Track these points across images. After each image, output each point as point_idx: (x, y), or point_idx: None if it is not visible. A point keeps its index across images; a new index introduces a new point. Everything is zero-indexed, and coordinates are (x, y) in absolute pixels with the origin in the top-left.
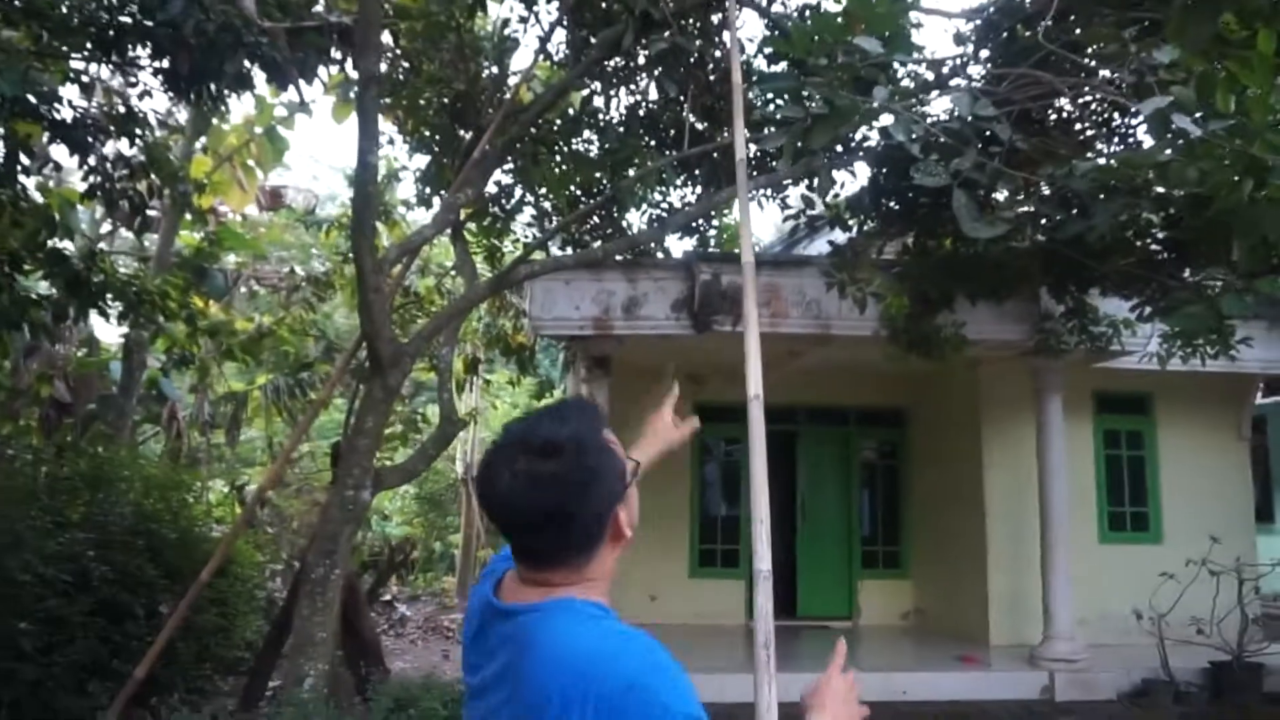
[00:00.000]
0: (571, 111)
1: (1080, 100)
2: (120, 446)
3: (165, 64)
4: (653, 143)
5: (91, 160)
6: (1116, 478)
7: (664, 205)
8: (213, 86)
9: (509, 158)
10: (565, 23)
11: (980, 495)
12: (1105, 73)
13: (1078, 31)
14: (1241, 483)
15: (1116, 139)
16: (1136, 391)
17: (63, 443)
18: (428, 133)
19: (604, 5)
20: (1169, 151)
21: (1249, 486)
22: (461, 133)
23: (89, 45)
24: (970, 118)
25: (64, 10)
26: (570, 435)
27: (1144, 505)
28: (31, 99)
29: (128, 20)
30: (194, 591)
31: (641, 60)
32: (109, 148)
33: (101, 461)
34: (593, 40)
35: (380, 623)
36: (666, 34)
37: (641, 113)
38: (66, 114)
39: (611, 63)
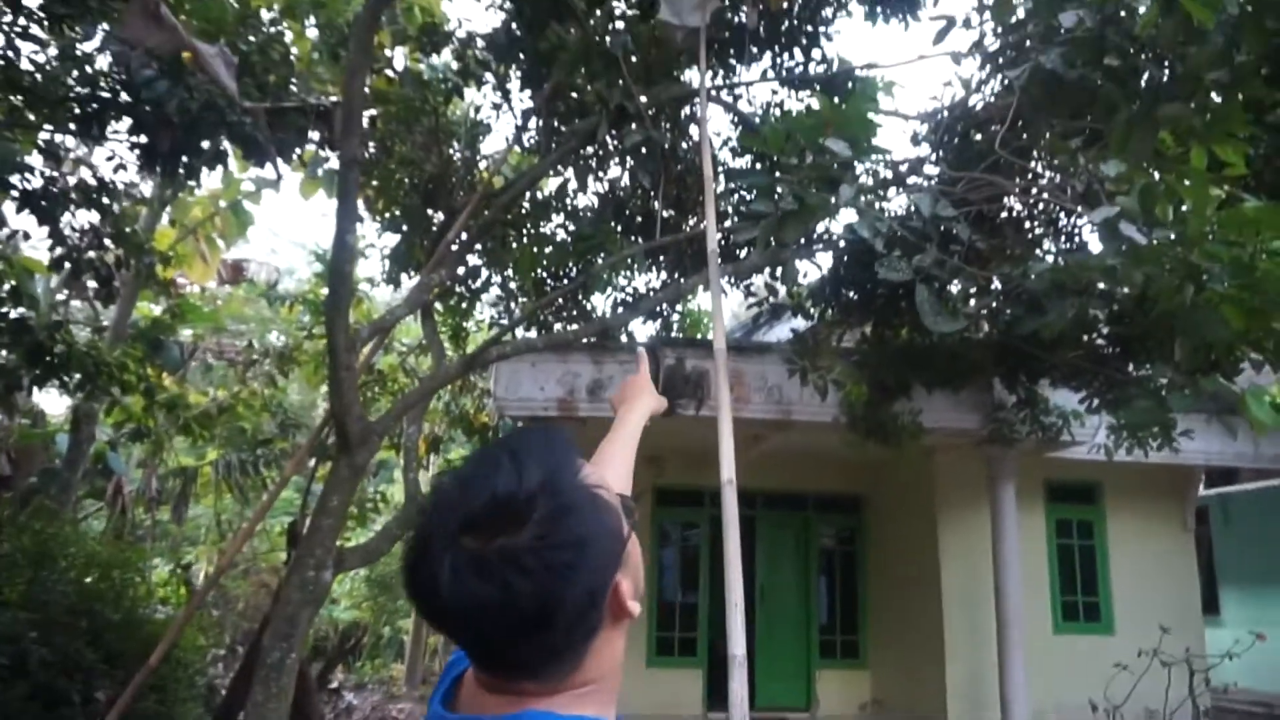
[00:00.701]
0: (541, 196)
1: (1030, 201)
2: (64, 522)
3: (144, 139)
4: (620, 229)
5: (60, 231)
6: (1069, 567)
7: (629, 290)
8: (189, 162)
9: (481, 240)
10: (539, 111)
11: (937, 583)
12: (1053, 176)
13: (1024, 137)
14: (1188, 573)
15: (1064, 238)
16: (1086, 481)
17: (2, 517)
18: (398, 212)
19: (577, 96)
20: (1117, 255)
21: (1195, 577)
22: (432, 214)
23: (69, 119)
24: (931, 216)
25: (43, 83)
26: (538, 487)
27: (1095, 595)
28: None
29: (109, 96)
30: (139, 678)
31: (612, 148)
32: (77, 218)
33: (45, 538)
34: (564, 129)
35: (326, 712)
36: (636, 126)
37: (611, 199)
38: (35, 183)
39: (584, 150)
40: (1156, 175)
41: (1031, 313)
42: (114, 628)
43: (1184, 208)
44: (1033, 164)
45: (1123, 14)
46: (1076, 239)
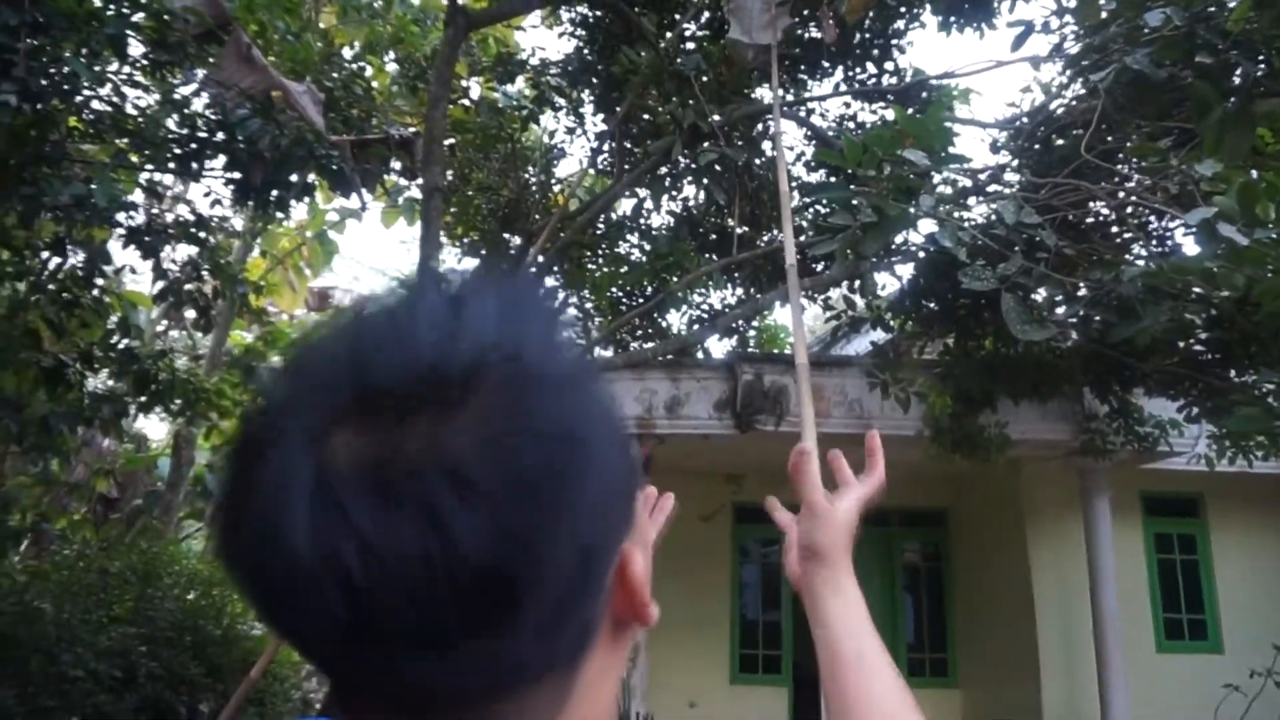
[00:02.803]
0: (616, 217)
1: (1118, 205)
2: (167, 542)
3: (237, 175)
4: (696, 247)
5: (162, 265)
6: (1170, 583)
7: (705, 307)
8: (279, 195)
9: (558, 262)
10: (613, 134)
11: (1029, 600)
12: (1142, 178)
13: (1110, 140)
14: None
15: (1155, 241)
16: (1186, 493)
17: (111, 538)
18: (477, 237)
19: (650, 117)
20: (1216, 257)
21: None
22: (509, 237)
23: (169, 159)
24: (1015, 224)
25: (146, 126)
26: (489, 343)
27: (1201, 612)
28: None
29: (206, 135)
30: (242, 692)
31: (686, 167)
32: (176, 252)
33: (151, 557)
34: (638, 150)
35: None
36: (709, 145)
37: (686, 218)
38: (138, 220)
39: (659, 170)
40: (1255, 173)
41: (1124, 319)
42: (215, 643)
43: None
44: (1120, 167)
45: (1212, 9)
46: (1169, 242)
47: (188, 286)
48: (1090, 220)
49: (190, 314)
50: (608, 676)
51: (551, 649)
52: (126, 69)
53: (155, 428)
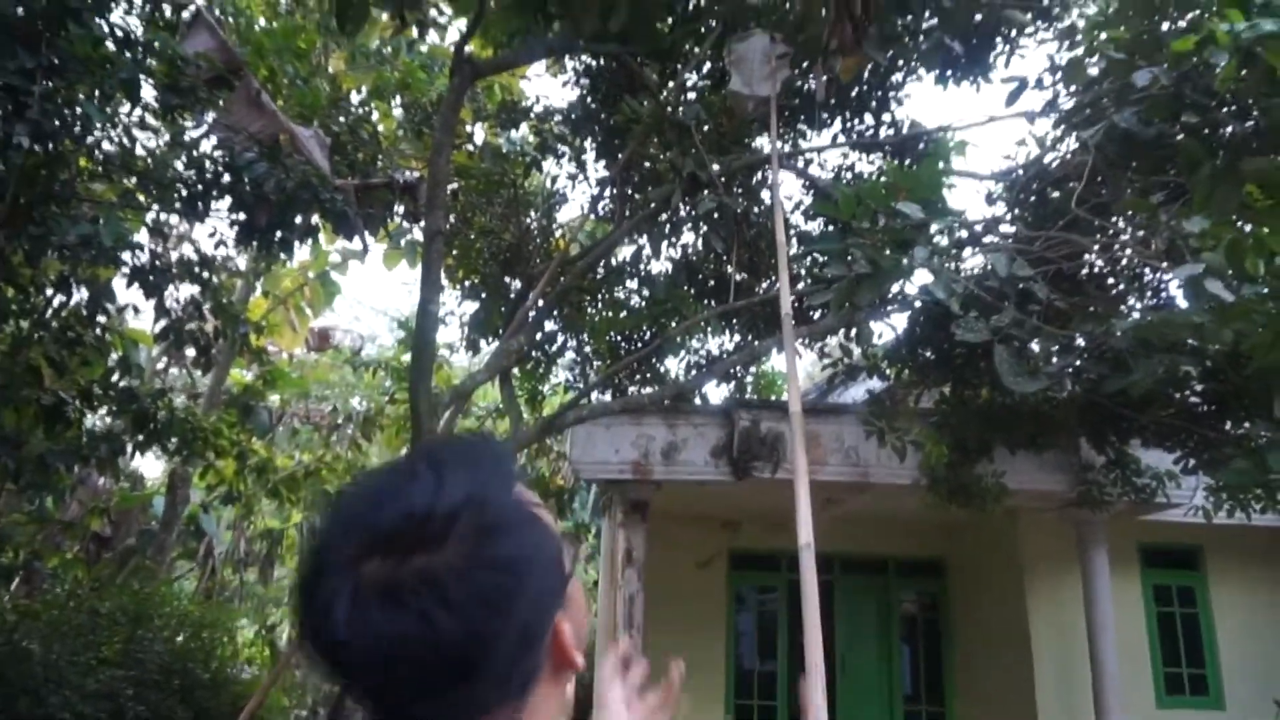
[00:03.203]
0: (615, 262)
1: (1111, 258)
2: (159, 583)
3: (243, 216)
4: (694, 293)
5: (164, 304)
6: (1170, 636)
7: (703, 353)
8: (283, 237)
9: (557, 307)
10: (614, 181)
11: (1027, 651)
12: (1133, 232)
13: (1103, 193)
14: None
15: (1149, 294)
16: (1185, 544)
17: (103, 577)
18: (478, 281)
19: (651, 165)
20: (1204, 312)
21: None
22: (510, 281)
23: (176, 200)
24: (1008, 276)
25: (154, 167)
26: (462, 500)
27: (1201, 666)
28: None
29: (212, 177)
30: None
31: (686, 215)
32: (179, 291)
33: (143, 598)
34: (638, 197)
35: None
36: (709, 194)
37: (685, 265)
38: (143, 259)
39: (658, 217)
40: (1247, 227)
41: (1118, 371)
42: (204, 686)
43: (1277, 260)
44: (1112, 220)
45: (1200, 69)
46: (1163, 294)
47: (189, 326)
48: (1084, 273)
49: (191, 353)
50: (549, 702)
51: (506, 690)
52: (138, 111)
53: (151, 466)
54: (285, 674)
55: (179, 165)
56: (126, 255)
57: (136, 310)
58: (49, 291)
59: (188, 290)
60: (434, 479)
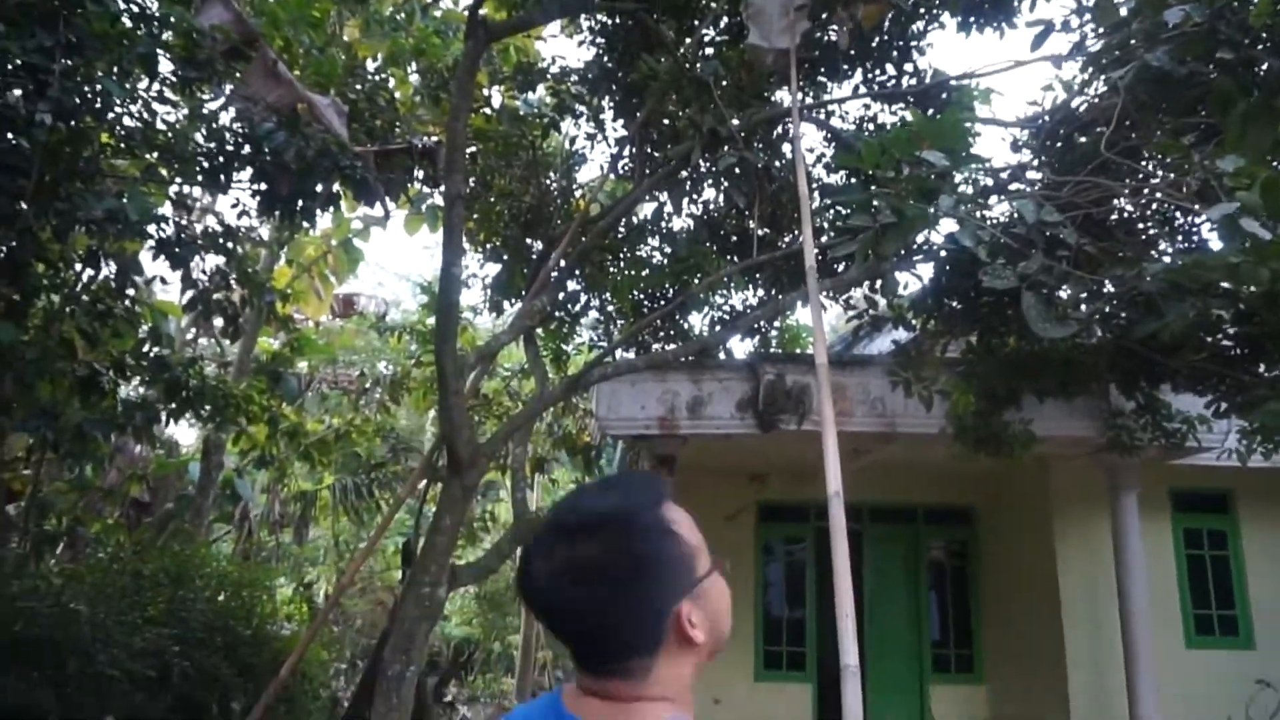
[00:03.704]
0: (637, 221)
1: (1142, 202)
2: (198, 545)
3: (264, 186)
4: (716, 249)
5: (191, 275)
6: (1200, 579)
7: (726, 308)
8: (305, 205)
9: (579, 266)
10: (633, 139)
11: (1055, 596)
12: (1164, 174)
13: (1133, 136)
14: None
15: (1180, 237)
16: (1216, 489)
17: (144, 541)
18: (499, 243)
19: (670, 123)
20: (1239, 252)
21: None
22: (531, 243)
23: (198, 172)
24: (1036, 222)
25: (175, 140)
26: (614, 510)
27: (1232, 608)
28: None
29: (233, 148)
30: (271, 691)
31: (706, 171)
32: (205, 262)
33: (183, 559)
34: (658, 155)
35: None
36: (729, 149)
37: (706, 221)
38: (168, 232)
39: (679, 174)
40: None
41: (1148, 315)
42: (246, 643)
43: None
44: (1142, 164)
45: (1234, 4)
46: (1195, 238)
47: (216, 296)
48: (1114, 218)
49: (219, 322)
50: (678, 666)
51: (636, 645)
52: (156, 86)
53: (185, 433)
54: (323, 629)
55: (199, 138)
56: (152, 229)
57: (164, 281)
58: (78, 267)
59: (213, 261)
60: (604, 495)
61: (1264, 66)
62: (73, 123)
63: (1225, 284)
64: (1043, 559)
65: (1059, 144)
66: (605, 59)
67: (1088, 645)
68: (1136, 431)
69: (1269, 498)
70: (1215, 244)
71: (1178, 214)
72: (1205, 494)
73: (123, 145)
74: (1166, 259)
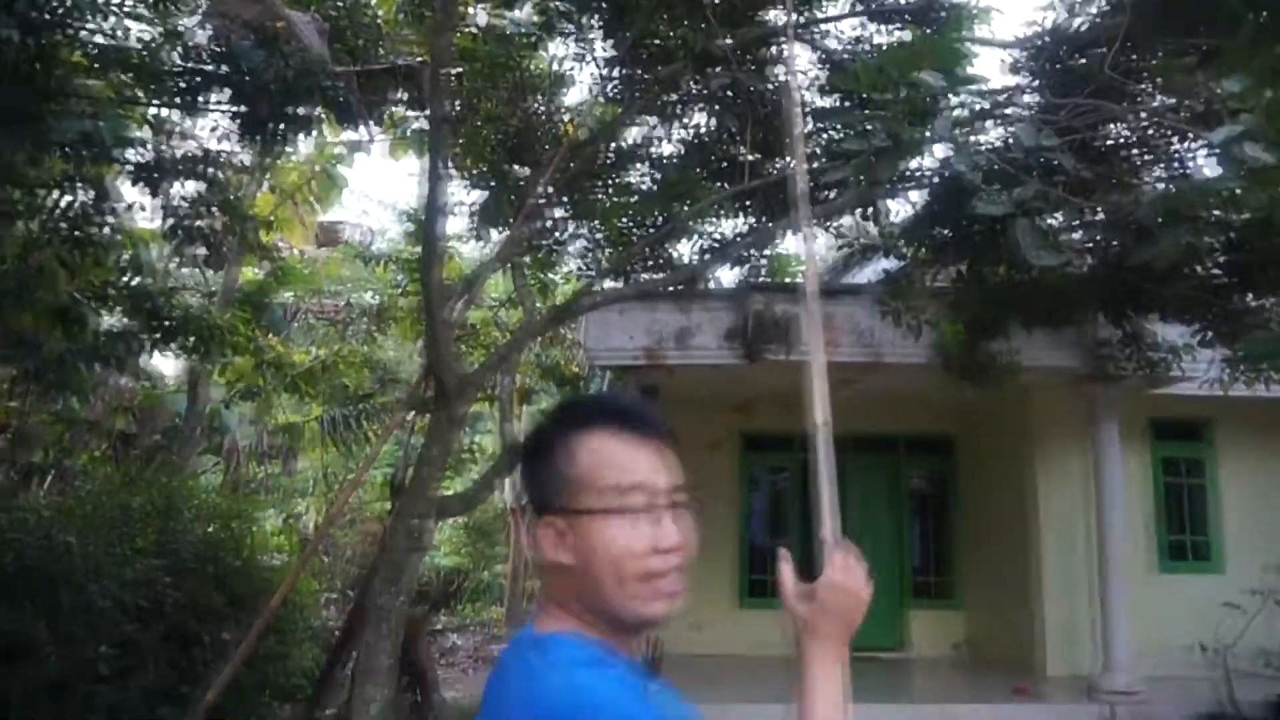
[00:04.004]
0: (625, 146)
1: (1139, 126)
2: (186, 477)
3: (243, 108)
4: (705, 175)
5: (170, 201)
6: (1175, 506)
7: (715, 236)
8: (285, 128)
9: (566, 193)
10: (621, 60)
11: (1033, 524)
12: (1164, 98)
13: (1133, 58)
14: None
15: (1173, 165)
16: (1194, 418)
17: (131, 473)
18: (485, 169)
19: (659, 43)
20: (1239, 178)
21: None
22: (517, 169)
23: (173, 93)
24: (1033, 147)
25: (148, 60)
26: (537, 428)
27: (1204, 534)
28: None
29: (210, 68)
30: (263, 620)
31: (696, 93)
32: (184, 188)
33: (170, 491)
34: (646, 77)
35: (433, 652)
36: (720, 70)
37: (696, 146)
38: (145, 156)
39: (667, 97)
40: None
41: (1141, 244)
42: (236, 574)
43: None
44: (1142, 87)
45: None
46: (1188, 166)
47: (197, 223)
48: (1109, 143)
49: (200, 251)
50: (559, 582)
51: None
52: (128, 2)
53: (170, 365)
54: (313, 560)
55: (174, 57)
56: (129, 153)
57: (143, 207)
58: (54, 192)
59: (193, 187)
60: (550, 414)
61: None
62: (41, 40)
63: (1217, 212)
64: (1022, 487)
65: (1057, 66)
66: None
67: (1063, 571)
68: (1121, 361)
69: (1246, 427)
70: (1208, 172)
71: (1173, 140)
72: (1184, 423)
73: (94, 65)
74: (1159, 186)
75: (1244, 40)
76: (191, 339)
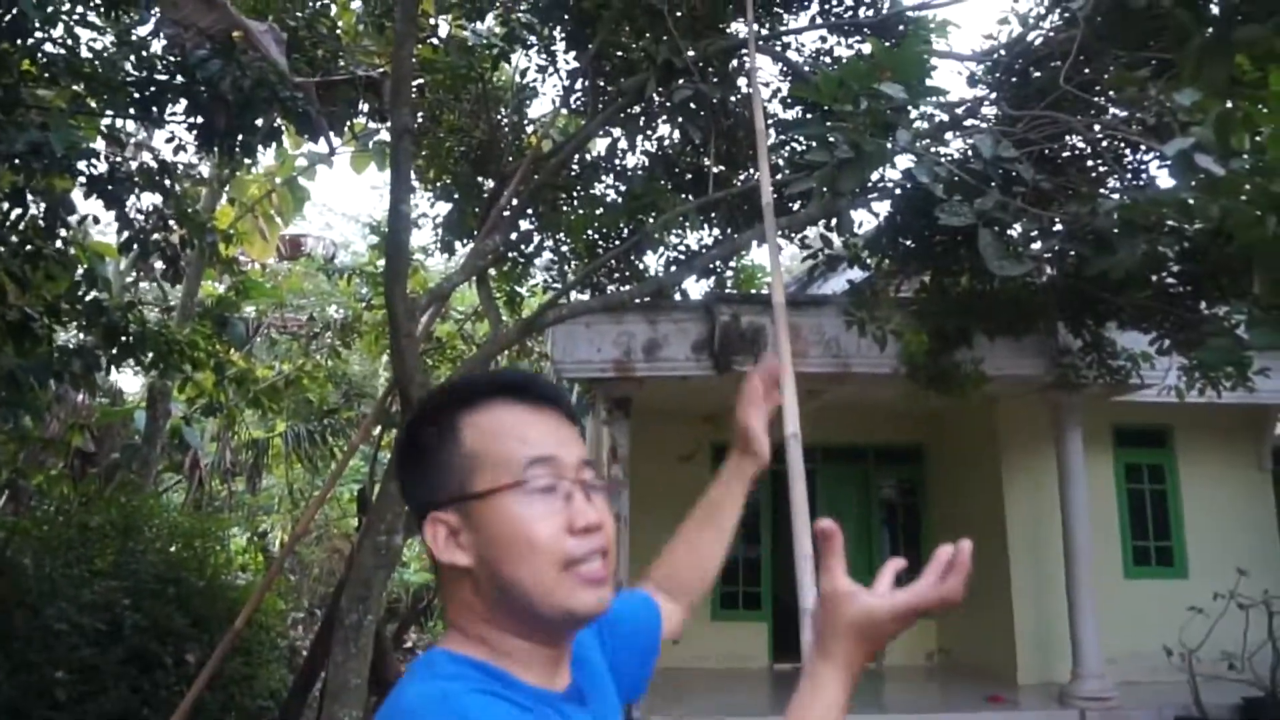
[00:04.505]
0: (590, 157)
1: (1095, 138)
2: (146, 495)
3: (200, 120)
4: (671, 187)
5: (127, 214)
6: (1139, 512)
7: (682, 248)
8: (244, 140)
9: (532, 205)
10: (585, 72)
11: (1002, 531)
12: (1119, 111)
13: (1086, 71)
14: (1265, 514)
15: (1131, 174)
16: (1156, 424)
17: (90, 492)
18: (449, 180)
19: (623, 54)
20: (1192, 188)
21: (1273, 518)
22: (482, 180)
23: (128, 103)
24: (992, 158)
25: (102, 69)
26: (413, 414)
27: (1168, 539)
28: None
29: (165, 78)
30: (227, 641)
31: (661, 105)
32: (141, 201)
33: (130, 510)
34: (611, 89)
35: (403, 670)
36: (684, 81)
37: (661, 157)
38: (100, 168)
39: (632, 109)
40: (1231, 103)
41: (1099, 253)
42: (199, 594)
43: (1261, 135)
44: (1097, 99)
45: None
46: (1144, 176)
47: (154, 236)
48: (1066, 154)
49: (159, 265)
50: (456, 589)
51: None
52: (80, 9)
53: (130, 381)
54: (279, 578)
55: (128, 67)
56: (83, 164)
57: (97, 220)
58: (4, 205)
59: (150, 200)
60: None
61: None
62: None
63: (1172, 221)
64: (991, 495)
65: (1014, 78)
66: None
67: (1032, 578)
68: (1082, 369)
69: (1206, 433)
70: (1164, 182)
71: (1129, 151)
72: (1146, 430)
73: (45, 74)
74: (1116, 196)
75: (1193, 54)
76: (150, 354)
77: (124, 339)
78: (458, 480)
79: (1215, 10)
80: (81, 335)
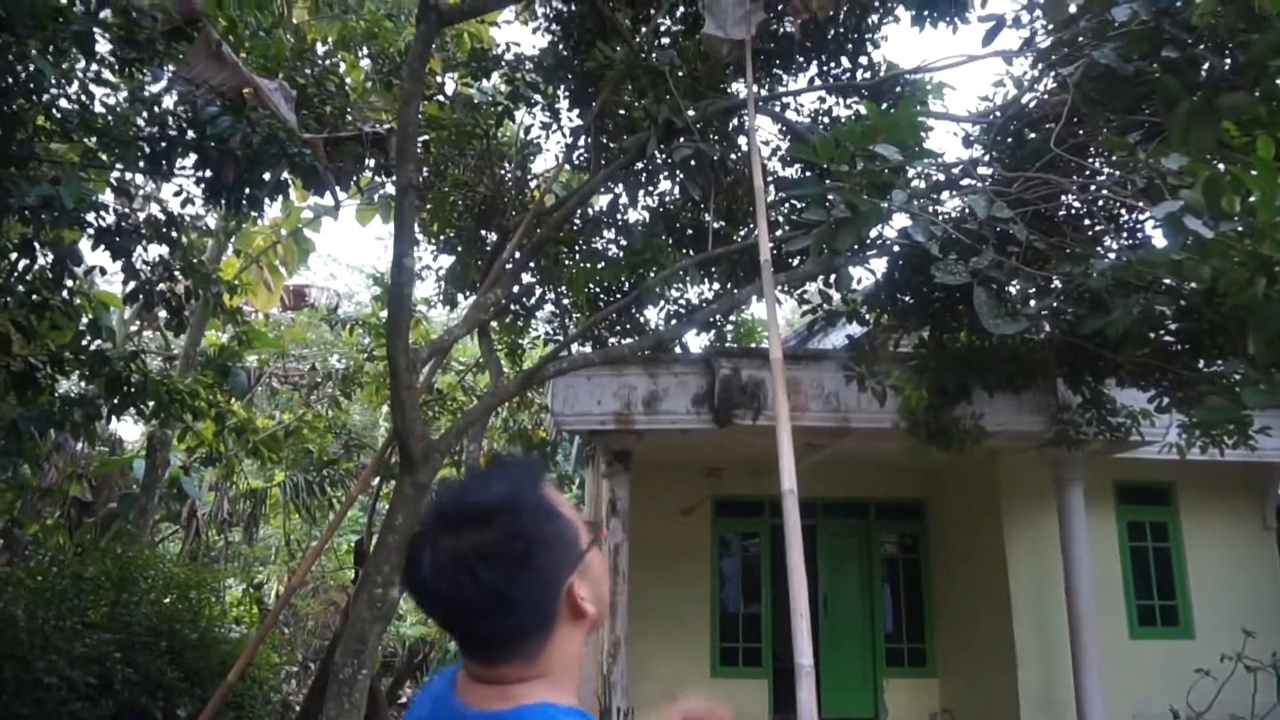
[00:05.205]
0: (592, 213)
1: (1089, 199)
2: (143, 546)
3: (209, 173)
4: (672, 242)
5: (133, 265)
6: (1143, 570)
7: (682, 301)
8: (252, 194)
9: (534, 259)
10: (588, 129)
11: (1005, 589)
12: (1111, 171)
13: (1080, 133)
14: (1271, 574)
15: (1125, 234)
16: (1158, 482)
17: (85, 542)
18: (453, 234)
19: (625, 113)
20: (1183, 250)
21: (1278, 578)
22: (485, 234)
23: (139, 158)
24: (986, 218)
25: (114, 124)
26: (500, 497)
27: (1173, 599)
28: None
29: (176, 133)
30: (219, 696)
31: (662, 162)
32: (148, 252)
33: (126, 561)
34: (613, 146)
35: None
36: (685, 140)
37: (662, 213)
38: (108, 220)
39: (634, 166)
40: (1221, 166)
41: (1095, 311)
42: (192, 647)
43: (1251, 198)
44: (1090, 160)
45: (1179, 3)
46: (1139, 235)
47: (159, 287)
48: (1061, 214)
49: (163, 315)
50: (571, 640)
51: (531, 625)
52: (94, 67)
53: (130, 430)
54: (273, 631)
55: (140, 122)
56: (91, 216)
57: (103, 271)
58: (13, 256)
59: (156, 251)
60: (486, 484)
61: (1207, 65)
62: (4, 104)
63: (1168, 281)
64: (992, 551)
65: (1009, 140)
66: (560, 47)
67: (1036, 636)
68: (1082, 425)
69: (1208, 490)
70: (1159, 241)
71: (1123, 211)
72: (1148, 487)
73: (59, 129)
74: (1112, 256)
75: (1181, 119)
76: (151, 404)
77: (127, 389)
78: (576, 546)
79: (1202, 76)
80: (84, 384)
